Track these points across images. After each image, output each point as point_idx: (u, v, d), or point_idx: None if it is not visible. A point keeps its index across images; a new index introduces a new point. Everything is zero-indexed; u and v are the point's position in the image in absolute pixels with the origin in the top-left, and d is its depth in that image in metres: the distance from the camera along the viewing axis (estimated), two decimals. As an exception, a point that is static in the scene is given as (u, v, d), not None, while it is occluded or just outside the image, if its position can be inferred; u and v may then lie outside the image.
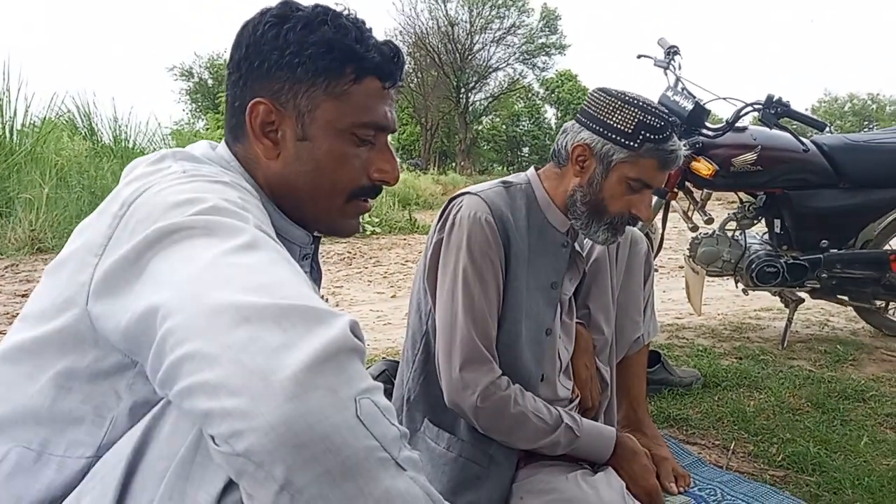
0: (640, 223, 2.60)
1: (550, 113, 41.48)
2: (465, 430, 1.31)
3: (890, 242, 2.86)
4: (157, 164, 0.77)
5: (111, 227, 0.67)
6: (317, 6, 0.83)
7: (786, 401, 2.12)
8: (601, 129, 1.30)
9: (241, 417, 0.48)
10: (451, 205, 1.36)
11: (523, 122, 41.58)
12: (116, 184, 0.76)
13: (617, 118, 1.28)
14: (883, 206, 2.74)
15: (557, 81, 38.51)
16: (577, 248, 1.48)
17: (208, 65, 33.47)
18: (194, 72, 33.61)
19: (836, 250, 2.73)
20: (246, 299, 0.53)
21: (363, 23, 0.84)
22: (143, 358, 0.61)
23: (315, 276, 0.97)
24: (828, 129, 2.77)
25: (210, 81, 33.44)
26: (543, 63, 36.23)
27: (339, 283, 4.88)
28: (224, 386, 0.49)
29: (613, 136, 1.28)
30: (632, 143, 1.27)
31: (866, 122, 42.46)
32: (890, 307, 2.97)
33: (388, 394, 1.62)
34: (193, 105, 33.71)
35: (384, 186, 0.91)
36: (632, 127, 1.27)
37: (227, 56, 0.90)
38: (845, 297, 2.85)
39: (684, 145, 2.64)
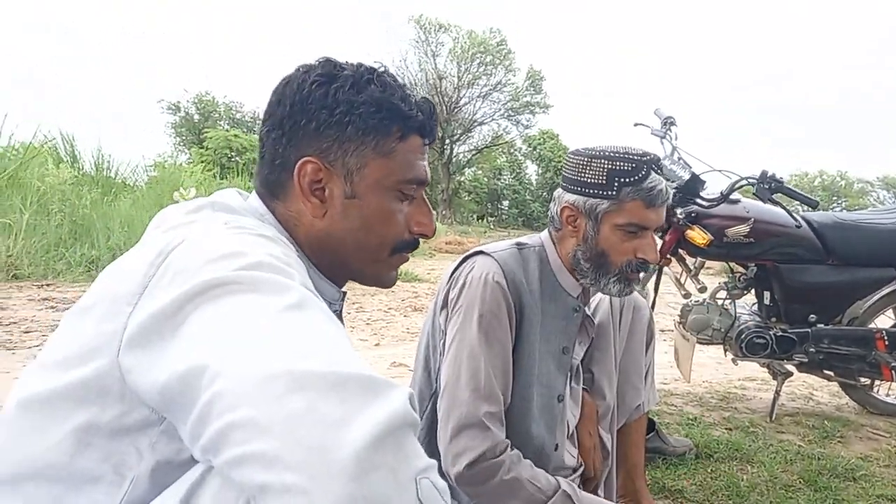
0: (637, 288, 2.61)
1: (532, 169, 42.25)
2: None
3: (876, 321, 2.90)
4: (194, 214, 0.75)
5: (147, 275, 0.64)
6: (360, 65, 0.84)
7: (778, 477, 2.10)
8: (580, 189, 1.33)
9: (302, 494, 0.47)
10: (464, 264, 1.34)
11: (505, 176, 42.25)
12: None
13: (590, 174, 1.31)
14: (869, 285, 2.80)
15: (540, 139, 39.37)
16: (588, 312, 1.47)
17: (196, 101, 33.74)
18: (181, 106, 33.82)
19: (823, 325, 2.76)
20: (300, 366, 0.52)
21: (402, 82, 0.86)
22: (177, 418, 0.58)
23: None
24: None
25: (196, 117, 33.64)
26: (527, 121, 37.18)
27: (321, 328, 4.79)
28: (280, 459, 0.48)
29: (592, 191, 1.31)
30: (610, 192, 1.29)
31: (835, 198, 44.14)
32: (875, 385, 2.99)
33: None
34: (178, 139, 33.77)
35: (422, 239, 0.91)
36: (605, 178, 1.29)
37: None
38: (831, 373, 2.87)
39: (680, 214, 2.71)
